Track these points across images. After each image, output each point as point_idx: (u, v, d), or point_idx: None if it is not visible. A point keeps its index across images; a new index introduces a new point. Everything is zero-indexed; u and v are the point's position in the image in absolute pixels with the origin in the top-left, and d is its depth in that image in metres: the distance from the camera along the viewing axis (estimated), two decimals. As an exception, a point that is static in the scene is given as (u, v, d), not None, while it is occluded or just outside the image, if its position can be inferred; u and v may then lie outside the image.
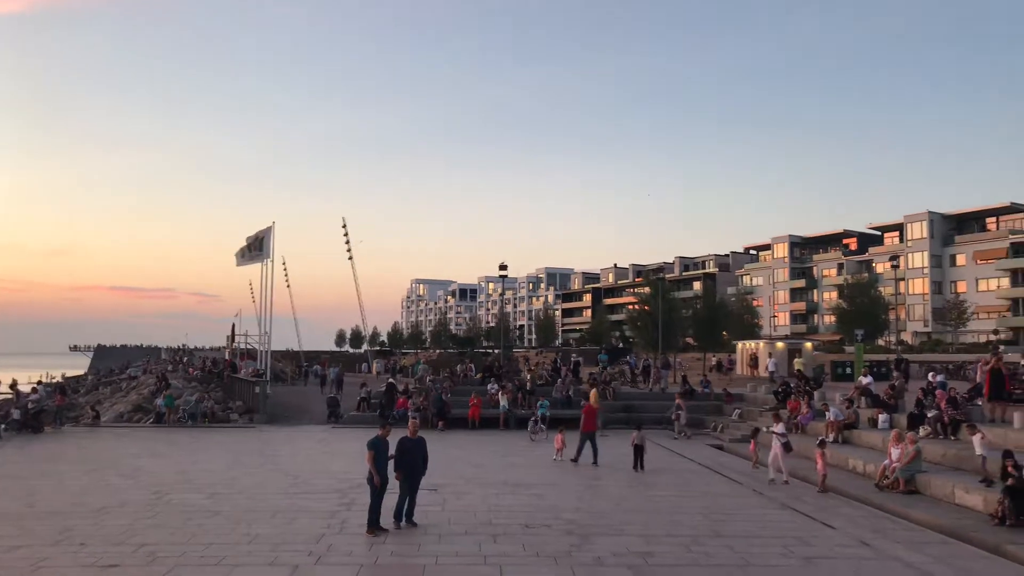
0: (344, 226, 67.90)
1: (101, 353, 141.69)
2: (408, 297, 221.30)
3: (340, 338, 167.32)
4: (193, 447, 25.59)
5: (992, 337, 75.25)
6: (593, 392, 28.49)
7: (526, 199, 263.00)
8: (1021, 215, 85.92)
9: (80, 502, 15.40)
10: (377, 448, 12.84)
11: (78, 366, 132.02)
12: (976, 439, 16.76)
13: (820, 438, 20.74)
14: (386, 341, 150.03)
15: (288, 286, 75.49)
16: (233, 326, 70.38)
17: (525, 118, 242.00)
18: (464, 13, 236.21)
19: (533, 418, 28.93)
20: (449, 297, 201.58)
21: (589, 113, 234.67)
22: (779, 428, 19.28)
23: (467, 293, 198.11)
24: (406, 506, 13.10)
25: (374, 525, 12.63)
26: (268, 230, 40.17)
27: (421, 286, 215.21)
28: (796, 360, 43.28)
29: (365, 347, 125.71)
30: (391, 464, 12.99)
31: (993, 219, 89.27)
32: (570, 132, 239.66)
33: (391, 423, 14.65)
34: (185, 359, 69.57)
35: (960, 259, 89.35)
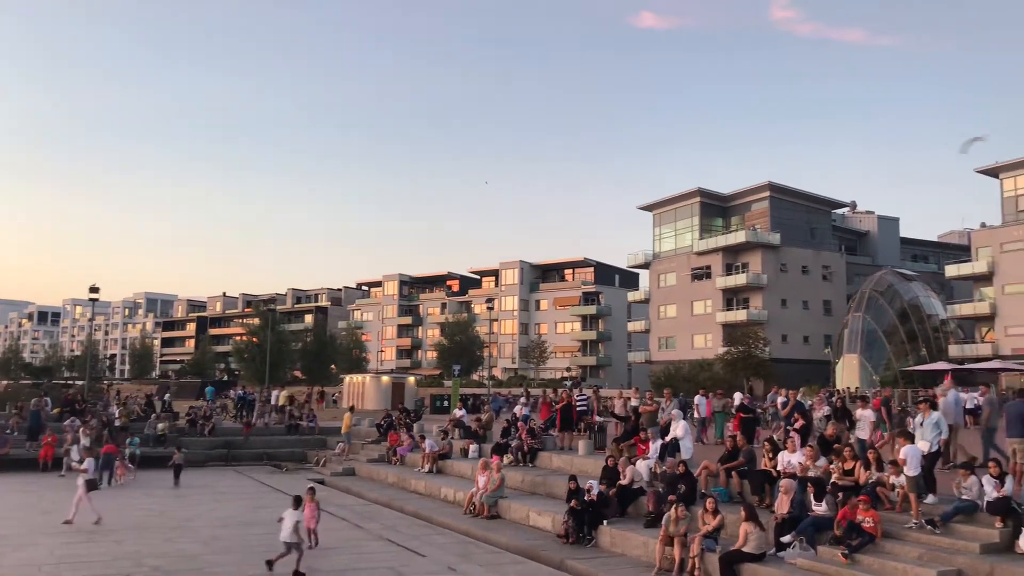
0: None
1: None
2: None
3: None
4: None
5: (566, 373, 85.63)
6: None
7: (121, 217, 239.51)
8: (591, 268, 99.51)
9: None
10: None
11: None
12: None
13: (310, 485, 17.88)
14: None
15: None
16: None
17: (114, 129, 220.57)
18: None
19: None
20: (24, 320, 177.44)
21: (190, 131, 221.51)
22: (87, 465, 17.89)
23: (48, 317, 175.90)
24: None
25: None
26: None
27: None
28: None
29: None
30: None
31: (570, 271, 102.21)
32: (169, 148, 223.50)
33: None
34: None
35: (543, 304, 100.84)
